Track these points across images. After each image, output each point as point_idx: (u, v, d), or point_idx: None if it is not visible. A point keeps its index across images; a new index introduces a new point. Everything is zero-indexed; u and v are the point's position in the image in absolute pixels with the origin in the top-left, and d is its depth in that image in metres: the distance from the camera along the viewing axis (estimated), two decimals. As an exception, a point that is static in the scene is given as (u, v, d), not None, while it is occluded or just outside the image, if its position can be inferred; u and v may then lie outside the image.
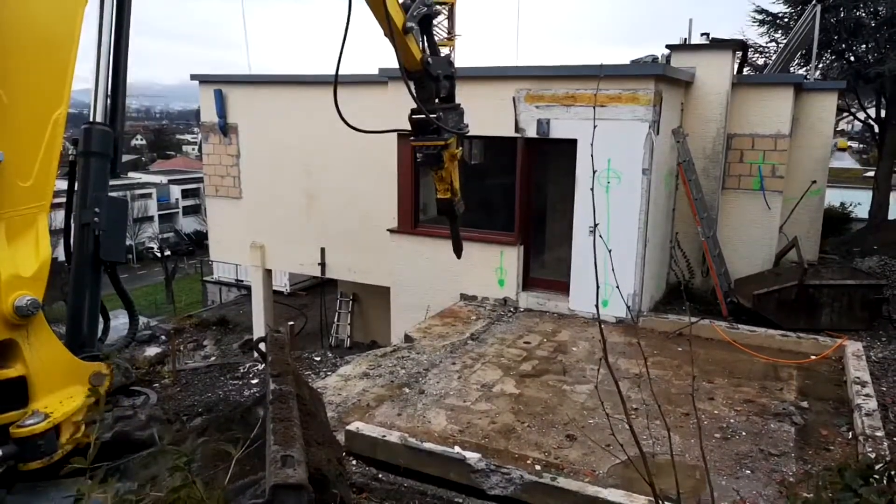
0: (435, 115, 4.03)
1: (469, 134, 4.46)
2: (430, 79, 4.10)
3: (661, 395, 6.04)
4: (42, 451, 3.52)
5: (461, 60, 33.03)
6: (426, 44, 4.15)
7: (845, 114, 17.21)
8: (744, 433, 5.55)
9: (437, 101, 4.20)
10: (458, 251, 4.83)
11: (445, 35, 21.42)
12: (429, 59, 4.08)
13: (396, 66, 3.93)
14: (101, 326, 4.28)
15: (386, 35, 3.86)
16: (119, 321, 4.99)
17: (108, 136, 3.98)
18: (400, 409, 5.90)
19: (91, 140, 3.91)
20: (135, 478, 3.53)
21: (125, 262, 4.08)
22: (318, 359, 8.39)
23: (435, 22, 4.53)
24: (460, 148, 4.31)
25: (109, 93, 4.07)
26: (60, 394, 3.66)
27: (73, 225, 4.04)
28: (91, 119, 3.95)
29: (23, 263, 3.47)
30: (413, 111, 4.09)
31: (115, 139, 4.01)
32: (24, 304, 3.40)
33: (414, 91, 3.97)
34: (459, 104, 4.35)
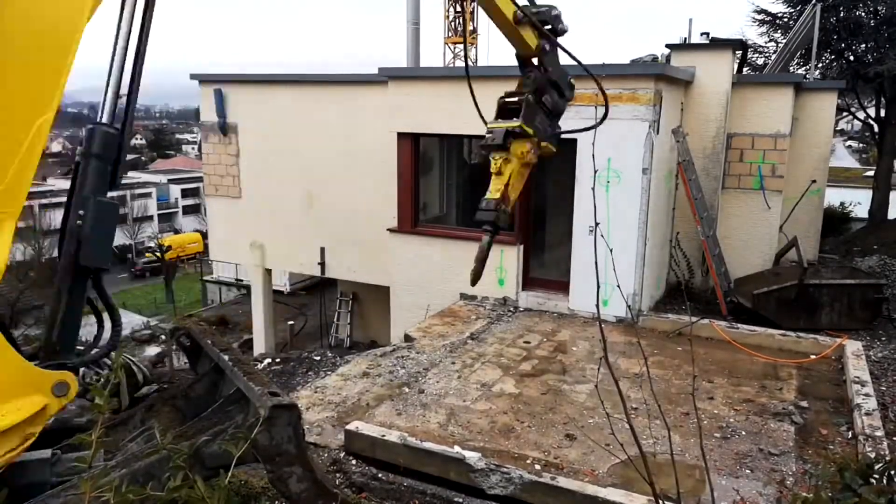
0: (522, 99, 3.81)
1: (480, 139, 4.23)
2: (543, 76, 4.00)
3: (661, 394, 6.04)
4: None
5: (482, 59, 33.01)
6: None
7: (845, 113, 17.24)
8: (744, 433, 5.55)
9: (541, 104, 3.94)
10: (476, 277, 3.67)
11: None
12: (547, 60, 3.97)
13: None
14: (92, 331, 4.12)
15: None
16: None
17: (113, 138, 3.65)
18: (400, 408, 5.90)
19: (94, 141, 3.60)
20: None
21: (108, 270, 3.78)
22: (317, 358, 8.38)
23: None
24: (533, 152, 3.83)
25: (122, 94, 3.73)
26: (12, 403, 3.31)
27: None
28: (98, 119, 3.62)
29: None
30: (505, 94, 3.88)
31: (120, 144, 3.66)
32: None
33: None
34: (558, 119, 4.04)
